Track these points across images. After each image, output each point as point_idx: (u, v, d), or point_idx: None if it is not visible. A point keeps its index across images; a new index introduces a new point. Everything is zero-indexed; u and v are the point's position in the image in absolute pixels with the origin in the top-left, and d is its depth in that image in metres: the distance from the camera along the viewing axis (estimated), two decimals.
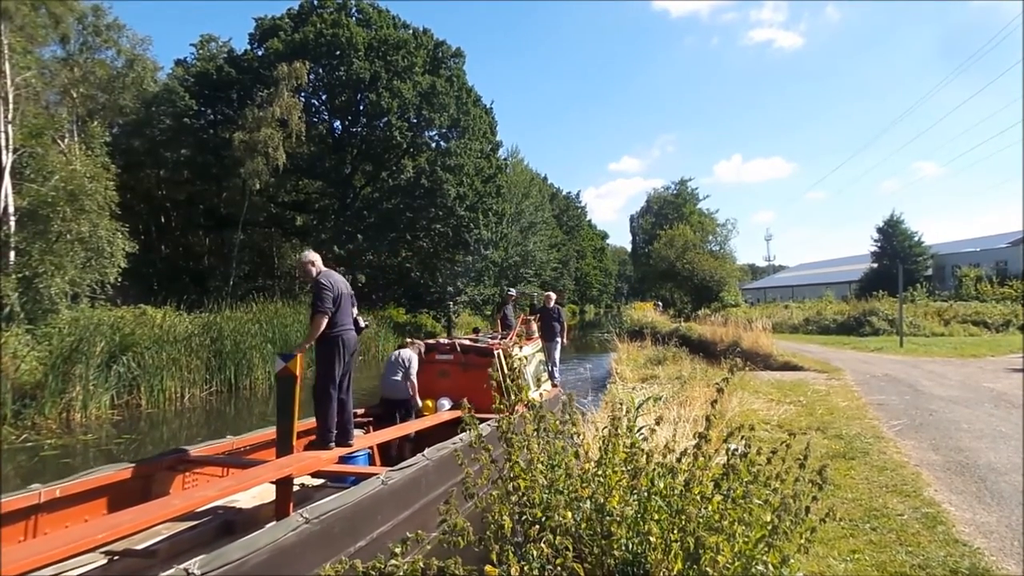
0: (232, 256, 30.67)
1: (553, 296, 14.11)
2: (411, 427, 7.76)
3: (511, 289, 16.74)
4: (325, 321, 5.86)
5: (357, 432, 7.38)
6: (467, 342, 9.53)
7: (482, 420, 7.09)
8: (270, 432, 6.66)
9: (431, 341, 9.59)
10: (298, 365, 5.81)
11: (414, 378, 8.31)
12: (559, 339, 13.31)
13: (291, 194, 37.45)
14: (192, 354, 16.74)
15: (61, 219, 16.31)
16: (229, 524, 5.46)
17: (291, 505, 5.32)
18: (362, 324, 6.40)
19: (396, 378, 8.30)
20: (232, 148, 27.82)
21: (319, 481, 6.67)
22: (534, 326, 12.54)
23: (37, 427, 12.52)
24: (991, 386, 12.19)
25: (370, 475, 5.38)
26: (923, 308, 29.30)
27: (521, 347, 10.28)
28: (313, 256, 6.24)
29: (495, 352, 8.95)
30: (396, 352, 8.68)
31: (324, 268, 6.21)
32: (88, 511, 5.09)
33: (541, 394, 9.71)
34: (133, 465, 5.58)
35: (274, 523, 4.34)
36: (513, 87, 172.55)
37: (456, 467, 5.84)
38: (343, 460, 6.49)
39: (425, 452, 6.01)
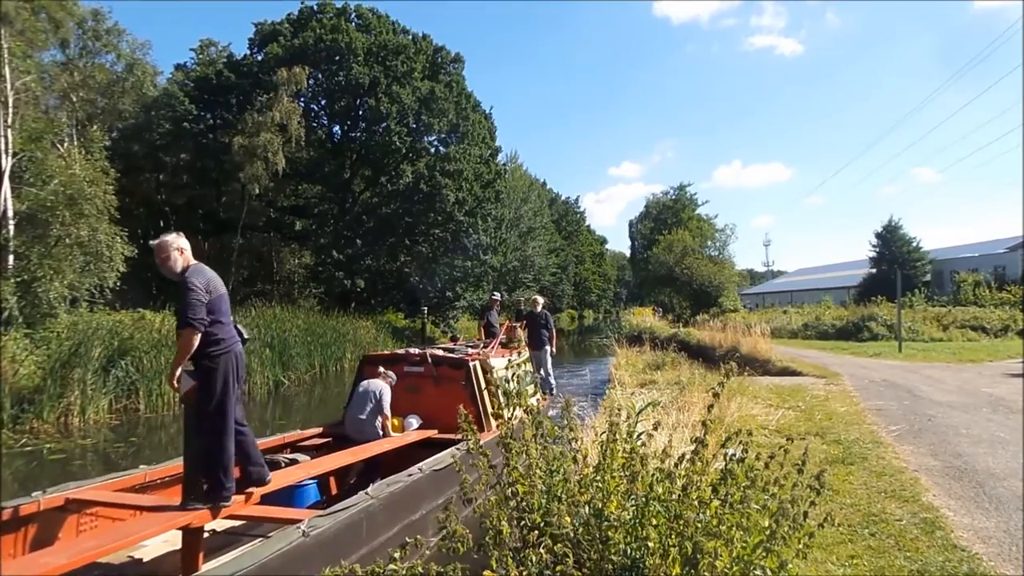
0: (231, 261, 30.65)
1: (540, 300, 13.34)
2: (369, 451, 6.76)
3: (495, 292, 15.73)
4: (198, 338, 4.43)
5: (303, 457, 6.64)
6: (440, 352, 8.57)
7: (456, 441, 6.63)
8: None
9: (400, 351, 8.67)
10: None
11: (387, 413, 7.38)
12: (548, 347, 12.58)
13: (290, 199, 37.48)
14: None
15: (60, 223, 16.32)
16: None
17: (200, 557, 4.52)
18: (245, 335, 5.01)
19: (363, 416, 7.32)
20: (232, 152, 27.88)
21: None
22: (520, 333, 11.63)
23: (35, 431, 12.50)
24: (990, 391, 12.20)
25: (290, 522, 4.32)
26: (922, 313, 29.34)
27: (508, 356, 9.53)
28: (183, 242, 4.73)
29: (469, 364, 8.05)
30: (365, 383, 7.60)
31: (194, 261, 4.78)
32: None
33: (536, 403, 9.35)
34: (7, 506, 4.51)
35: None
36: (513, 92, 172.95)
37: (411, 504, 5.52)
38: (290, 492, 5.75)
39: (370, 489, 5.01)
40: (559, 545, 2.73)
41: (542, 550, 2.71)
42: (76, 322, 15.68)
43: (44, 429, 12.69)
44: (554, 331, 12.99)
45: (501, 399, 7.99)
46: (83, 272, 17.05)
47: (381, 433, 7.27)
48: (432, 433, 7.60)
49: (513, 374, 8.16)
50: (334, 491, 7.27)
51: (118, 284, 18.53)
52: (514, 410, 3.68)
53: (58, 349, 14.04)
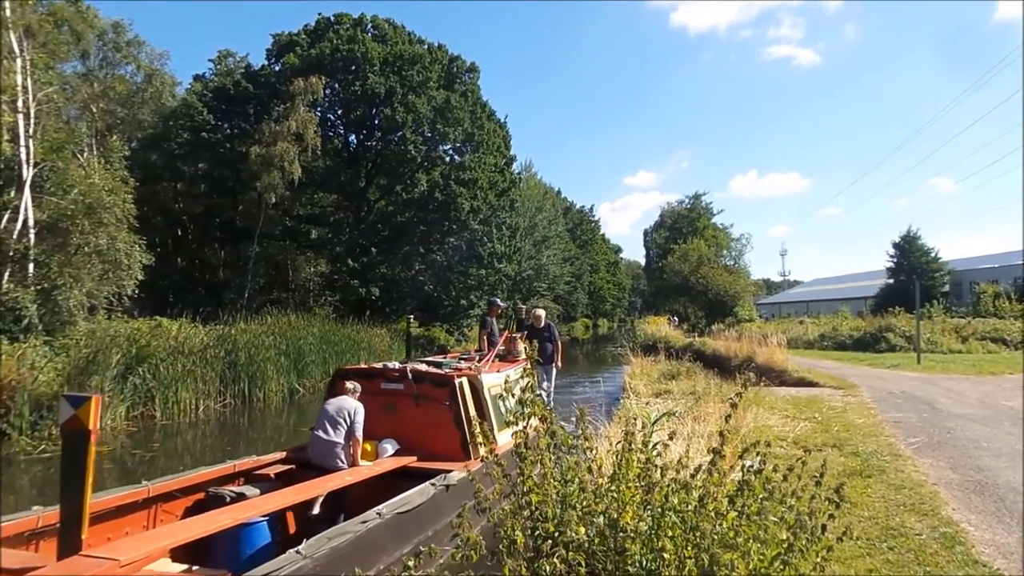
0: (247, 269, 30.90)
1: (542, 314, 12.35)
2: (333, 483, 5.83)
3: (494, 298, 14.28)
4: None
5: (253, 490, 5.85)
6: (423, 368, 7.54)
7: (437, 472, 6.00)
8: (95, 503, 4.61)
9: (378, 365, 7.73)
10: (93, 414, 3.73)
11: (359, 437, 6.42)
12: (553, 362, 11.75)
13: (306, 207, 37.73)
14: (207, 366, 16.85)
15: (80, 232, 16.53)
16: None
17: None
18: None
19: (332, 438, 6.30)
20: (248, 162, 28.13)
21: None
22: (520, 345, 10.11)
23: (55, 438, 12.62)
24: (1010, 404, 12.02)
25: None
26: (940, 324, 28.99)
27: (506, 370, 8.41)
28: None
29: (454, 381, 7.02)
30: (336, 400, 6.60)
31: None
32: None
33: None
34: None
35: None
36: (528, 101, 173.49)
37: (363, 561, 4.40)
38: (234, 534, 4.89)
39: (302, 547, 4.05)
40: (573, 553, 2.71)
41: (556, 560, 2.69)
42: (94, 330, 15.84)
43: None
44: (559, 344, 12.09)
45: (493, 421, 7.18)
46: (102, 280, 17.26)
47: (344, 460, 6.30)
48: (410, 461, 6.62)
49: (510, 391, 7.68)
50: (292, 530, 6.30)
51: (136, 292, 18.73)
52: (528, 420, 3.50)
53: (76, 356, 14.19)
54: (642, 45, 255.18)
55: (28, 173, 16.85)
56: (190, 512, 5.44)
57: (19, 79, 17.22)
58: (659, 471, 3.11)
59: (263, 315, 22.70)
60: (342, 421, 6.34)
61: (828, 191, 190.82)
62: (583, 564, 2.65)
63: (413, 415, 7.02)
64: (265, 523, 5.37)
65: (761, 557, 2.76)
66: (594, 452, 3.46)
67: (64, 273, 16.02)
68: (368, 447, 6.67)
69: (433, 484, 5.53)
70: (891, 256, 43.75)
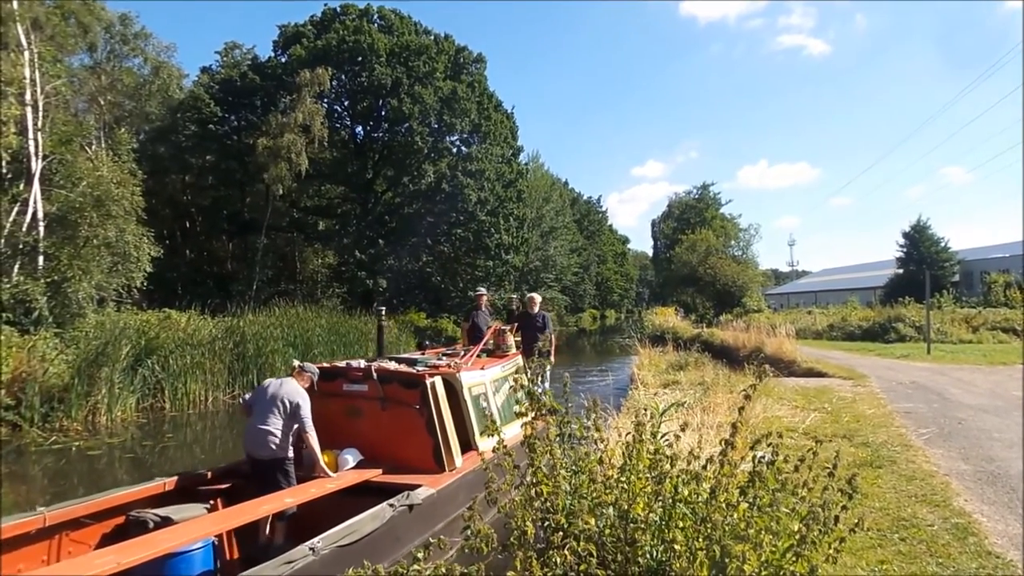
0: (255, 260, 31.00)
1: (537, 299, 11.22)
2: (272, 503, 5.03)
3: (479, 288, 12.93)
4: None
5: (192, 510, 5.15)
6: (391, 366, 6.56)
7: (404, 488, 5.30)
8: (27, 521, 4.31)
9: (340, 364, 6.76)
10: None
11: (311, 432, 5.61)
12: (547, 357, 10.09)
13: (313, 199, 37.83)
14: (215, 357, 16.88)
15: (88, 224, 16.60)
16: None
17: None
18: None
19: (262, 424, 5.54)
20: (256, 154, 28.22)
21: None
22: (510, 338, 9.24)
23: (65, 429, 12.70)
24: (1021, 394, 11.94)
25: None
26: (950, 314, 28.79)
27: (490, 367, 7.57)
28: None
29: (425, 382, 6.09)
30: (273, 383, 5.82)
31: None
32: None
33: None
34: None
35: None
36: (536, 91, 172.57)
37: None
38: (159, 565, 4.23)
39: None
40: (583, 544, 2.69)
41: (566, 551, 2.68)
42: (103, 322, 15.91)
43: (73, 427, 12.90)
44: (554, 336, 10.02)
45: (475, 425, 6.45)
46: (111, 272, 17.35)
47: (277, 447, 5.52)
48: (374, 474, 5.79)
49: (496, 391, 7.21)
50: (234, 554, 5.58)
51: (144, 284, 18.81)
52: (536, 412, 3.26)
53: (86, 348, 14.25)
54: (651, 35, 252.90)
55: (37, 166, 16.91)
56: (108, 541, 4.73)
57: (27, 72, 17.25)
58: (669, 462, 3.08)
59: (271, 307, 22.73)
60: (276, 406, 5.57)
61: (838, 181, 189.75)
62: (593, 555, 2.63)
63: (379, 421, 6.15)
64: (200, 551, 4.72)
65: (773, 549, 2.73)
66: (604, 443, 3.43)
67: (73, 265, 16.09)
68: (327, 458, 5.84)
69: (391, 505, 4.78)
70: (901, 246, 43.53)
